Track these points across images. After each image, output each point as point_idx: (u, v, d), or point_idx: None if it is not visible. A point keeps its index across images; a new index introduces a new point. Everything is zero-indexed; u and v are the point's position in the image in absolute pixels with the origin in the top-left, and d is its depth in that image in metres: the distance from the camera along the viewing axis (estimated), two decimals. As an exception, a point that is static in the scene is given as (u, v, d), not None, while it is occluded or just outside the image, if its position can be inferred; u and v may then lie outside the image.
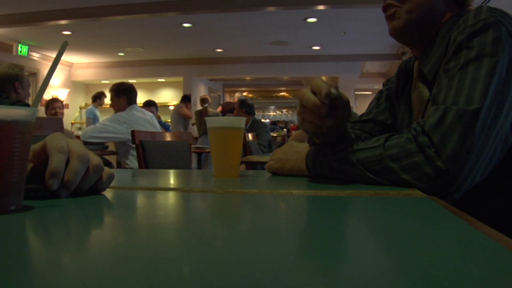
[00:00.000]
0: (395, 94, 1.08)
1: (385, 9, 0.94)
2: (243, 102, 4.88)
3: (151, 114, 3.37)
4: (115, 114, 3.13)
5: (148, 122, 3.17)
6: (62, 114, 4.65)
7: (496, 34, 0.74)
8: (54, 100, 4.79)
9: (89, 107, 6.64)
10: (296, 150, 0.93)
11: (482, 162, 0.71)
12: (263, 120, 6.53)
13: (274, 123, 11.93)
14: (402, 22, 0.91)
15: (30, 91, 2.81)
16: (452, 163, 0.68)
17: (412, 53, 1.01)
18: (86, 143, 2.91)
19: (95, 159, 0.59)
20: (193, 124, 7.12)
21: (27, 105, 2.27)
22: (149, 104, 5.12)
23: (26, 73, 2.69)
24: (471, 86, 0.72)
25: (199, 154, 4.88)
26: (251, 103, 4.94)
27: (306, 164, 0.87)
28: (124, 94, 3.16)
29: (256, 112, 5.25)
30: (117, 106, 3.17)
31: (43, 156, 0.56)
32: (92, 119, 6.21)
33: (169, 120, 7.27)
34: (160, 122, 4.84)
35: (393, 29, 0.93)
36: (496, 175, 0.76)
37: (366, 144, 0.78)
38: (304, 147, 0.91)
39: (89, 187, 0.60)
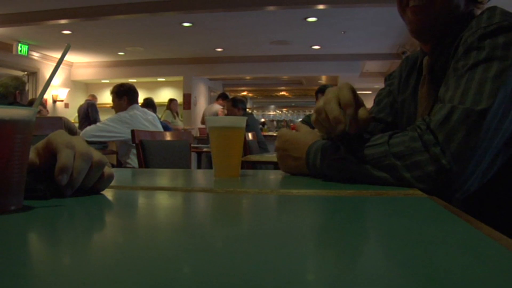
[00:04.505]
0: (397, 88, 1.08)
1: (403, 2, 0.91)
2: (235, 100, 4.82)
3: (153, 114, 3.37)
4: (116, 114, 3.14)
5: (149, 122, 3.17)
6: (46, 114, 4.70)
7: (508, 37, 0.74)
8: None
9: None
10: (294, 147, 0.92)
11: (484, 163, 0.71)
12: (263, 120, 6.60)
13: (261, 123, 11.17)
14: (427, 21, 0.89)
15: (30, 89, 2.92)
16: (455, 162, 0.68)
17: (422, 48, 0.99)
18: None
19: (96, 155, 0.59)
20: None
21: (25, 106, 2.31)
22: (148, 105, 5.14)
23: (26, 87, 2.81)
24: (479, 86, 0.72)
25: (198, 154, 4.88)
26: (243, 98, 4.89)
27: (306, 163, 0.86)
28: (124, 95, 3.19)
29: (256, 111, 5.28)
30: (118, 107, 3.20)
31: (47, 153, 0.57)
32: None
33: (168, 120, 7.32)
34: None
35: (416, 28, 0.90)
36: (499, 177, 0.75)
37: (369, 141, 0.78)
38: (304, 143, 0.89)
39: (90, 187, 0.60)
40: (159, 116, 4.95)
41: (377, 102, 1.12)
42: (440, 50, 0.90)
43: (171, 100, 7.54)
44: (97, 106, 7.67)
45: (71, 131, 3.73)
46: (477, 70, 0.74)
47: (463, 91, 0.73)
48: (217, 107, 6.91)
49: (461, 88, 0.74)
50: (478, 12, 0.88)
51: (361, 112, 0.78)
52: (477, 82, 0.72)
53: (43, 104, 4.85)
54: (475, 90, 0.72)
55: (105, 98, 9.65)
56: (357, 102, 0.79)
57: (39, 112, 4.42)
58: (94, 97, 8.07)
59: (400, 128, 1.03)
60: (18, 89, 2.67)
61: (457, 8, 0.89)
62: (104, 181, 0.62)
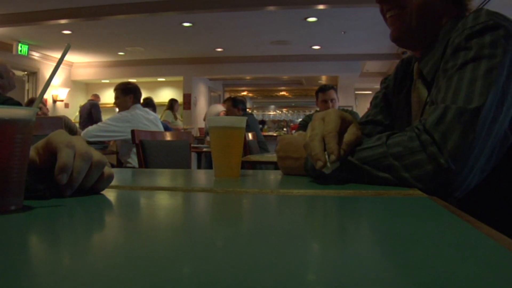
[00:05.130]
0: (392, 91, 1.08)
1: (384, 13, 0.95)
2: (235, 101, 4.81)
3: (154, 114, 3.37)
4: (118, 113, 3.14)
5: (151, 122, 3.17)
6: (47, 112, 4.67)
7: (494, 36, 0.75)
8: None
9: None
10: (295, 149, 0.92)
11: (481, 161, 0.71)
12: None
13: (261, 122, 11.15)
14: (404, 28, 0.92)
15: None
16: (453, 161, 0.69)
17: (414, 54, 1.01)
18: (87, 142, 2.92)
19: (96, 155, 0.59)
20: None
21: (20, 103, 2.25)
22: (148, 105, 5.12)
23: (1, 61, 2.64)
24: (470, 85, 0.73)
25: (198, 154, 4.88)
26: (243, 99, 4.87)
27: (305, 164, 0.86)
28: (131, 93, 3.18)
29: (256, 111, 5.28)
30: (123, 104, 3.17)
31: (47, 153, 0.57)
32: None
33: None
34: None
35: (395, 35, 0.94)
36: (496, 175, 0.76)
37: (367, 143, 0.78)
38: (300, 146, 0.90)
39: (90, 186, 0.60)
40: (159, 116, 4.95)
41: (374, 105, 1.13)
42: (429, 55, 0.90)
43: (173, 101, 7.50)
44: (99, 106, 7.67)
45: (71, 130, 3.72)
46: (466, 70, 0.75)
47: (454, 91, 0.74)
48: (220, 108, 6.88)
49: (452, 88, 0.74)
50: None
51: (347, 135, 0.78)
52: (467, 81, 0.73)
53: (43, 103, 4.83)
54: (466, 89, 0.73)
55: (106, 98, 9.65)
56: (347, 123, 0.79)
57: (40, 108, 4.41)
58: (97, 97, 8.02)
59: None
60: None
61: (434, 14, 0.91)
62: (104, 181, 0.62)
